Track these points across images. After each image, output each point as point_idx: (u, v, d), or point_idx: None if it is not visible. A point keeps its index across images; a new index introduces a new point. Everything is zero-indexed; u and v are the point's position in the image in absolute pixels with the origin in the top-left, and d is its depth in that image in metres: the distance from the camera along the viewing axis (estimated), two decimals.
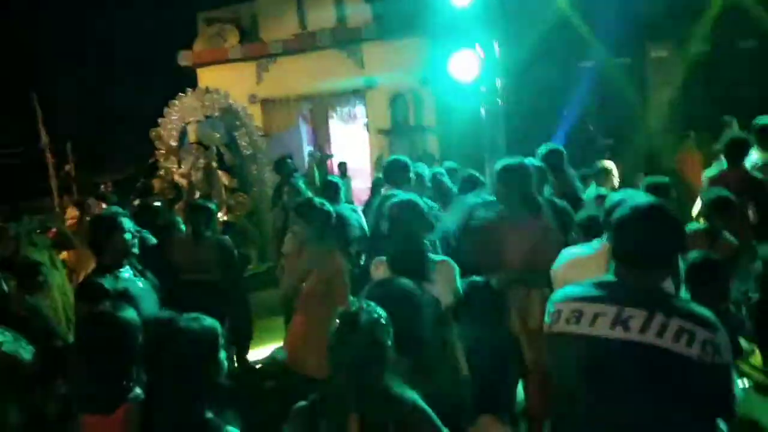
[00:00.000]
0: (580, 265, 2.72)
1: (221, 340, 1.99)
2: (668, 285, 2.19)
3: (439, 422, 1.86)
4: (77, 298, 3.15)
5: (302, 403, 1.91)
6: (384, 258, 2.81)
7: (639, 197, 1.88)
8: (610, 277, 1.83)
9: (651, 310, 1.67)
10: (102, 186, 11.41)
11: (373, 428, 1.77)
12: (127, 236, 3.11)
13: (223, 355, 2.00)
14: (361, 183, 10.66)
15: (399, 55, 10.74)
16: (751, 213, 4.43)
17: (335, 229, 3.49)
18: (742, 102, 7.69)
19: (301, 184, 5.35)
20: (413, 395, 1.86)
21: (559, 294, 1.90)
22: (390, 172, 4.60)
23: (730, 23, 8.30)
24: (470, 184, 4.78)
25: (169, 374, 1.93)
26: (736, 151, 4.65)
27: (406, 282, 2.32)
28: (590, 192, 5.57)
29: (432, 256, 2.87)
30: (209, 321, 2.00)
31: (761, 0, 8.12)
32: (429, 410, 1.86)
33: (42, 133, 17.11)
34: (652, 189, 4.44)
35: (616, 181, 5.63)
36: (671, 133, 8.59)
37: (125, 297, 2.78)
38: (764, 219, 4.45)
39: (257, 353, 5.38)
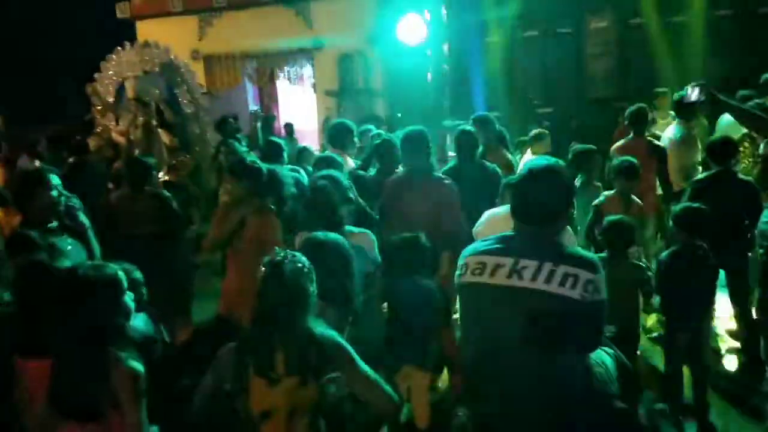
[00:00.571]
0: (495, 223, 2.93)
1: (122, 286, 2.13)
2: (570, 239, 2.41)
3: (358, 357, 2.05)
4: (8, 252, 3.11)
5: (230, 344, 2.04)
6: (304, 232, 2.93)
7: (539, 161, 2.06)
8: (510, 233, 2.02)
9: (541, 260, 1.87)
10: (36, 143, 10.88)
11: (297, 361, 1.96)
12: (54, 193, 3.11)
13: (126, 298, 2.15)
14: (308, 144, 10.58)
15: (347, 15, 10.60)
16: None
17: (268, 187, 3.52)
18: (676, 73, 8.08)
19: (238, 145, 5.30)
20: (334, 334, 2.06)
21: (468, 249, 2.07)
22: (334, 136, 4.71)
23: None
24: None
25: (73, 320, 2.04)
26: (639, 121, 5.03)
27: (336, 236, 2.50)
28: (525, 158, 5.85)
29: (350, 228, 3.03)
30: (110, 268, 2.14)
31: None
32: (349, 347, 2.06)
33: None
34: (577, 155, 4.72)
35: (548, 147, 5.91)
36: (607, 104, 8.94)
37: (53, 251, 2.78)
38: (666, 182, 4.89)
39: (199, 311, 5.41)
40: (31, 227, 3.03)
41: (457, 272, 2.06)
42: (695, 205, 3.43)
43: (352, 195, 3.26)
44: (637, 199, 4.23)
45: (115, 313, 2.02)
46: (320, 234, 2.52)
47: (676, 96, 5.20)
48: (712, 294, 3.60)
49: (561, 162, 2.11)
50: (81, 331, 1.97)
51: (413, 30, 8.74)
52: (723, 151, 3.94)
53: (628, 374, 2.40)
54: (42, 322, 2.20)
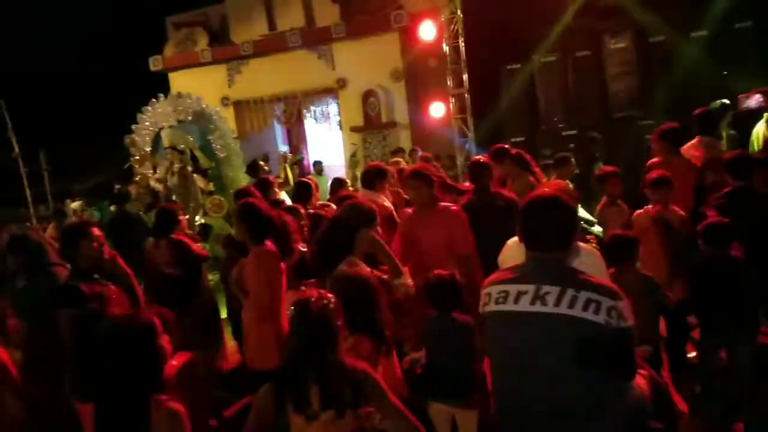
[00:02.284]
0: (514, 248, 2.97)
1: (157, 331, 2.14)
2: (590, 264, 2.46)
3: (387, 390, 2.13)
4: (56, 303, 3.28)
5: (267, 383, 2.14)
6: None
7: (543, 190, 2.16)
8: (526, 262, 2.10)
9: (563, 286, 1.93)
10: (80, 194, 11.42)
11: (331, 395, 2.04)
12: (95, 244, 3.28)
13: (162, 342, 2.15)
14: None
15: (369, 52, 10.93)
16: None
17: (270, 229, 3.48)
18: (699, 89, 8.02)
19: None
20: (365, 367, 2.14)
21: (488, 279, 2.15)
22: (366, 177, 4.90)
23: (687, 12, 8.63)
24: None
25: (112, 366, 2.07)
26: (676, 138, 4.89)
27: (363, 271, 2.60)
28: (552, 182, 5.86)
29: None
30: (144, 317, 2.16)
31: None
32: (377, 378, 2.14)
33: (13, 142, 16.93)
34: (601, 177, 4.73)
35: (574, 170, 5.93)
36: (631, 123, 8.90)
37: (100, 301, 2.94)
38: None
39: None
40: (78, 278, 3.21)
41: (481, 302, 2.13)
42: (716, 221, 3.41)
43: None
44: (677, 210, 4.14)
45: (151, 357, 2.10)
46: (351, 270, 2.63)
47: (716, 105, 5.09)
48: (747, 304, 3.47)
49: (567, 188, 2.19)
50: (119, 377, 2.04)
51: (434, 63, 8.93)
52: (742, 166, 3.90)
53: (662, 393, 2.41)
54: (91, 368, 2.33)
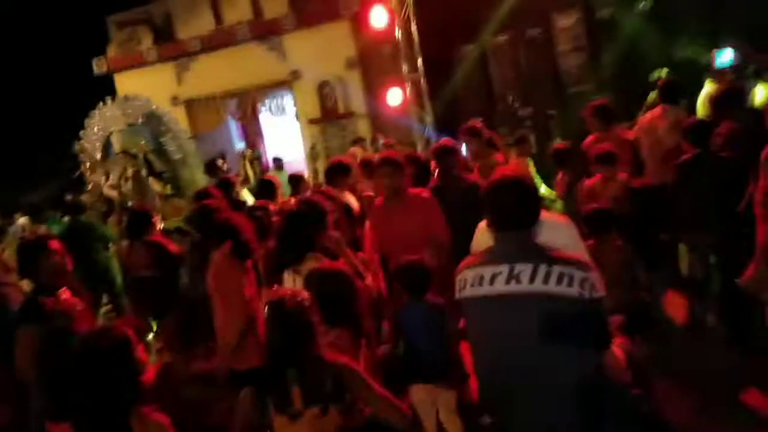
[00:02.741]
0: (484, 233, 3.00)
1: (132, 343, 2.06)
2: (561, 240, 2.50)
3: (370, 380, 2.12)
4: (21, 320, 3.14)
5: (247, 387, 2.10)
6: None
7: (504, 170, 2.20)
8: (495, 244, 2.12)
9: (535, 263, 1.95)
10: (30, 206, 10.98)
11: (313, 392, 2.02)
12: (57, 258, 3.13)
13: (138, 352, 2.08)
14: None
15: (321, 42, 10.78)
16: None
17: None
18: (648, 62, 8.23)
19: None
20: (345, 360, 2.12)
21: (462, 264, 2.16)
22: (328, 174, 4.84)
23: None
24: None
25: (87, 385, 2.00)
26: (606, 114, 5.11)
27: (338, 265, 2.59)
28: (511, 161, 5.94)
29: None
30: (118, 330, 2.09)
31: None
32: (360, 370, 2.13)
33: None
34: (556, 153, 4.82)
35: (532, 148, 6.03)
36: (584, 98, 9.08)
37: (64, 317, 2.82)
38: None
39: None
40: (41, 293, 3.07)
41: (457, 288, 2.13)
42: None
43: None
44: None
45: (129, 371, 2.03)
46: (325, 265, 2.60)
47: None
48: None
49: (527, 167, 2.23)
50: (98, 394, 1.98)
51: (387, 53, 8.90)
52: (701, 131, 4.02)
53: (637, 361, 2.47)
54: (65, 387, 2.23)
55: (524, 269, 1.96)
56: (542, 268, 1.94)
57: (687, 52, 7.55)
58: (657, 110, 5.22)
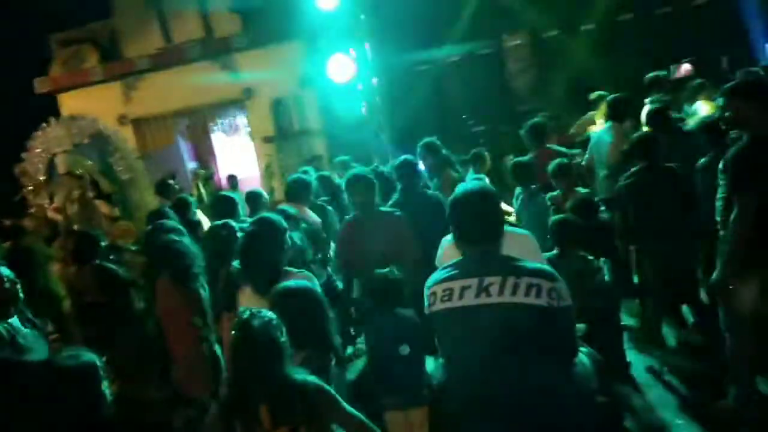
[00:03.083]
0: (451, 248, 3.01)
1: (101, 372, 2.02)
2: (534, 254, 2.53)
3: (341, 399, 2.08)
4: None
5: (213, 409, 2.02)
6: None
7: (468, 185, 2.23)
8: (463, 257, 2.13)
9: (503, 275, 1.97)
10: None
11: (282, 413, 1.96)
12: (7, 285, 3.00)
13: (104, 386, 2.03)
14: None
15: (274, 61, 10.70)
16: None
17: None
18: (593, 80, 8.57)
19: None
20: (314, 379, 2.07)
21: (431, 279, 2.16)
22: (291, 191, 4.76)
23: (575, 8, 9.22)
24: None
25: (54, 415, 1.92)
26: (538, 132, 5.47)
27: (305, 282, 2.57)
28: (468, 177, 6.02)
29: (289, 269, 3.00)
30: (87, 356, 2.02)
31: None
32: (331, 389, 2.08)
33: None
34: (516, 168, 4.94)
35: (488, 164, 6.15)
36: (534, 115, 9.36)
37: (15, 346, 2.66)
38: None
39: None
40: None
41: (426, 302, 2.12)
42: None
43: (289, 240, 3.19)
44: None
45: (97, 398, 1.93)
46: (290, 283, 2.53)
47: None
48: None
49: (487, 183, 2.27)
50: (61, 421, 1.87)
51: (341, 69, 8.93)
52: (647, 145, 4.15)
53: (602, 369, 2.51)
54: (13, 419, 2.08)
55: (493, 281, 1.97)
56: (510, 280, 1.95)
57: (630, 71, 7.91)
58: (603, 127, 5.54)
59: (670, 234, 3.93)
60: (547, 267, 2.08)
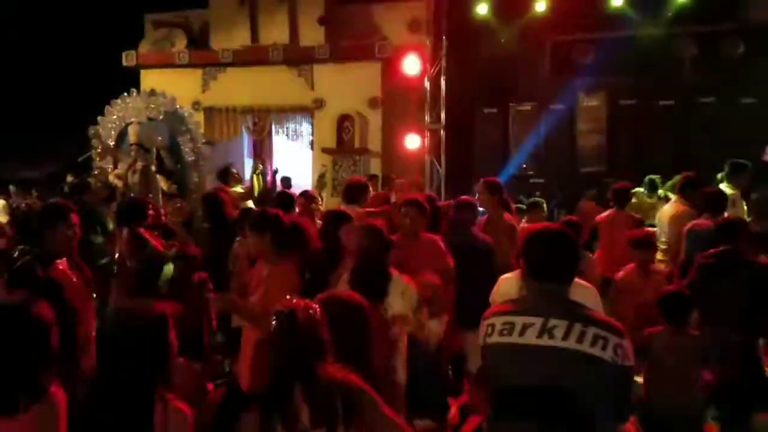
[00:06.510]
0: (505, 282, 3.00)
1: (167, 323, 2.01)
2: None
3: (380, 401, 2.01)
4: (11, 282, 3.06)
5: (252, 405, 1.99)
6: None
7: (549, 227, 2.27)
8: (528, 295, 2.11)
9: (570, 320, 1.93)
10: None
11: (323, 411, 1.90)
12: (72, 230, 3.15)
13: (169, 337, 2.01)
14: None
15: (349, 77, 10.98)
16: None
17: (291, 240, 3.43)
18: (658, 152, 8.46)
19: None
20: (355, 379, 2.00)
21: (492, 310, 2.15)
22: (348, 193, 4.89)
23: (653, 80, 9.15)
24: None
25: (121, 360, 1.93)
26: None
27: (354, 296, 2.41)
28: (522, 225, 5.99)
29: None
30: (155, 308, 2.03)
31: (678, 61, 9.00)
32: (369, 390, 2.01)
33: None
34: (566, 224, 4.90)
35: (544, 215, 6.14)
36: (596, 178, 9.27)
37: (52, 287, 2.76)
38: None
39: None
40: (43, 259, 3.00)
41: (482, 333, 2.10)
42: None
43: None
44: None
45: (163, 350, 1.94)
46: (343, 292, 2.51)
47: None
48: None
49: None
50: (129, 367, 1.89)
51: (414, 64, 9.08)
52: (731, 230, 3.83)
53: None
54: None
55: (558, 324, 1.92)
56: (577, 327, 1.90)
57: (706, 153, 7.77)
58: (611, 212, 5.82)
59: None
60: (615, 322, 2.02)
